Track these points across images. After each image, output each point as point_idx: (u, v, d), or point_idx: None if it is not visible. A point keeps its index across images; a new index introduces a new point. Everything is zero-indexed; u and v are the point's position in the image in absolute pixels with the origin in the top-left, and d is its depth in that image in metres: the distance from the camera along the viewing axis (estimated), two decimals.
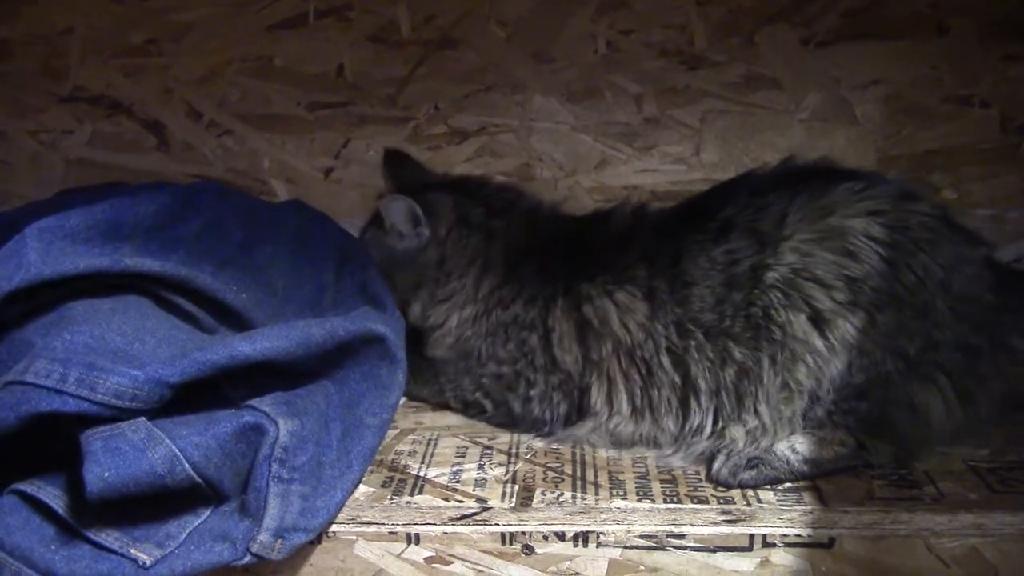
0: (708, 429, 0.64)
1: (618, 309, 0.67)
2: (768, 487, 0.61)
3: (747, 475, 0.61)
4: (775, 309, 0.61)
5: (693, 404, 0.64)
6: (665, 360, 0.65)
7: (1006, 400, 0.64)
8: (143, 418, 0.52)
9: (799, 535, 0.56)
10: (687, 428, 0.65)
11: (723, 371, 0.63)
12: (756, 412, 0.62)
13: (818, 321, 0.60)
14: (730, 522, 0.57)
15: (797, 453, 0.61)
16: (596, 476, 0.64)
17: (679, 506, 0.59)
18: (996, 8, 0.80)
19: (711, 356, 0.64)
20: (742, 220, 0.65)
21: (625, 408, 0.67)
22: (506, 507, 0.59)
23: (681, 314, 0.65)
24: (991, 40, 0.81)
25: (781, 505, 0.59)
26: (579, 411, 0.69)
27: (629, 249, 0.69)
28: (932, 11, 0.81)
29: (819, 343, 0.60)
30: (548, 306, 0.70)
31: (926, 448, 0.63)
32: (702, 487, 0.62)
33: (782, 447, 0.62)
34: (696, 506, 0.59)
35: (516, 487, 0.62)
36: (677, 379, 0.65)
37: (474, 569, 0.58)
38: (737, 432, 0.63)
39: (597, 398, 0.68)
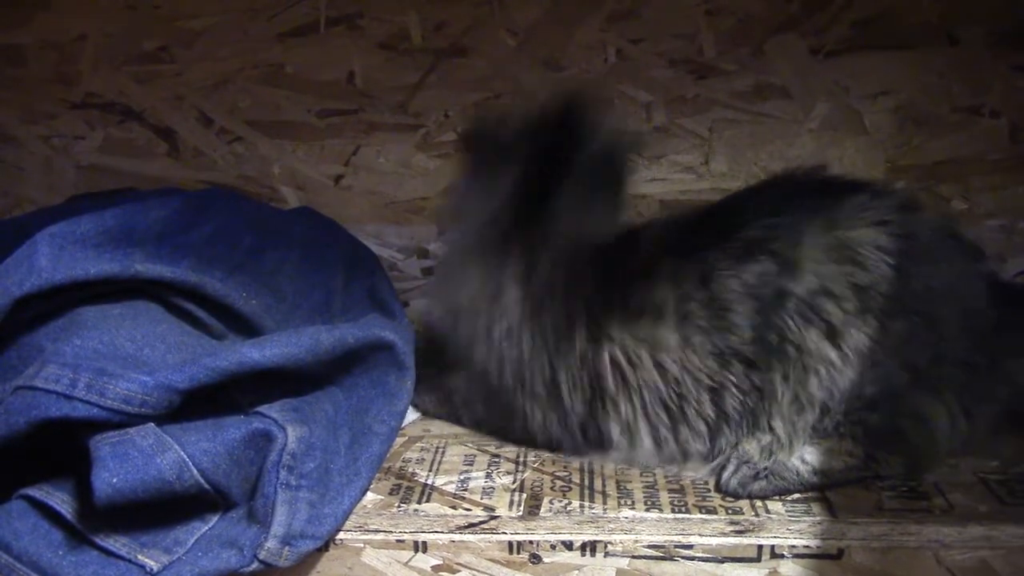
0: (728, 450, 0.63)
1: (646, 345, 0.63)
2: (777, 497, 0.61)
3: (756, 486, 0.61)
4: (790, 331, 0.60)
5: (724, 430, 0.63)
6: (704, 397, 0.63)
7: (997, 421, 0.64)
8: (152, 424, 0.52)
9: (808, 546, 0.56)
10: (713, 451, 0.64)
11: (746, 397, 0.62)
12: (771, 428, 0.62)
13: (831, 333, 0.60)
14: (738, 532, 0.57)
15: (807, 464, 0.61)
16: (604, 485, 0.63)
17: (687, 516, 0.59)
18: (1006, 18, 0.80)
19: (743, 387, 0.62)
20: (762, 240, 0.62)
21: (648, 444, 0.65)
22: (514, 516, 0.59)
23: (722, 345, 0.62)
24: (1001, 50, 0.81)
25: (790, 516, 0.58)
26: (590, 442, 0.67)
27: (655, 274, 0.64)
28: (942, 21, 0.81)
29: (833, 354, 0.60)
30: (560, 347, 0.66)
31: (934, 461, 0.63)
32: (710, 497, 0.61)
33: (792, 458, 0.61)
34: (704, 516, 0.59)
35: (524, 495, 0.62)
36: (711, 413, 0.63)
37: None
38: (751, 447, 0.62)
39: (617, 435, 0.65)
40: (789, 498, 0.61)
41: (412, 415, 0.76)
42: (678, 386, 0.63)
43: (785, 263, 0.61)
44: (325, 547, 0.57)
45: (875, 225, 0.61)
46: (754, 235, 0.63)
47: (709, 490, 0.63)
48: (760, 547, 0.56)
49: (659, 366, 0.63)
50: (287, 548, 0.53)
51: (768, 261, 0.61)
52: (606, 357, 0.64)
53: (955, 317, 0.61)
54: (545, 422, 0.68)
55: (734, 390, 0.62)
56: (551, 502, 0.61)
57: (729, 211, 0.67)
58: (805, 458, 0.61)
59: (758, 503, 0.60)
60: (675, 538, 0.57)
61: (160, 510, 0.52)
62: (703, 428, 0.64)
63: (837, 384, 0.60)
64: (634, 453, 0.66)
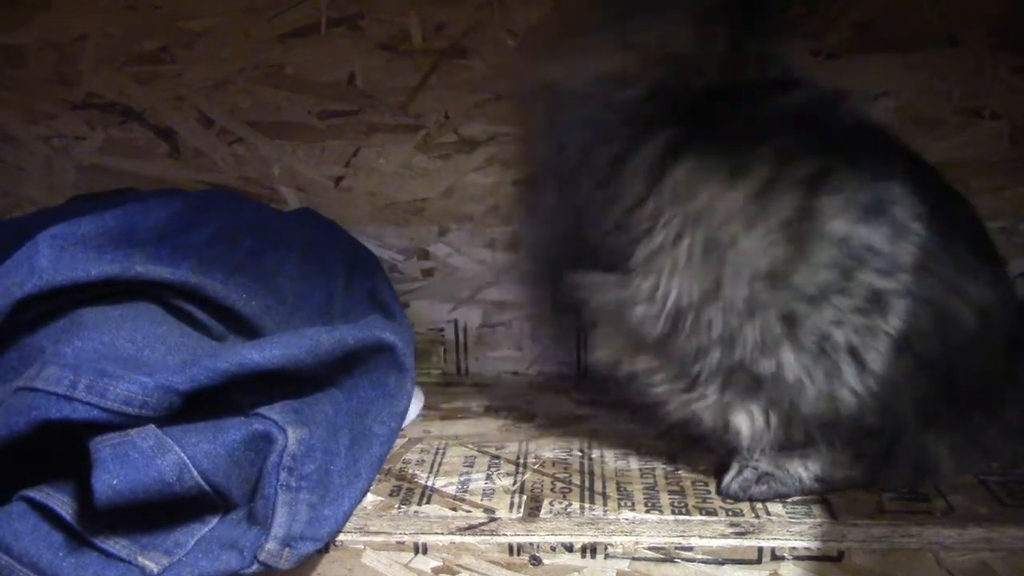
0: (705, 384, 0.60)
1: (708, 190, 0.58)
2: (777, 500, 0.61)
3: (758, 490, 0.61)
4: (868, 349, 0.56)
5: (718, 369, 0.59)
6: (739, 296, 0.57)
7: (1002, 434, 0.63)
8: (152, 425, 0.52)
9: (808, 548, 0.56)
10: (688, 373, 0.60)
11: (765, 360, 0.58)
12: (767, 421, 0.60)
13: (896, 350, 0.57)
14: (739, 535, 0.57)
15: (809, 471, 0.61)
16: (604, 487, 0.63)
17: (688, 518, 0.59)
18: (1007, 20, 0.80)
19: (767, 334, 0.57)
20: (889, 206, 0.56)
21: (649, 288, 0.59)
22: (514, 517, 0.59)
23: (788, 263, 0.56)
24: (1002, 52, 0.81)
25: (790, 518, 0.58)
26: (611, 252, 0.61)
27: (762, 135, 0.58)
28: (943, 23, 0.81)
29: (885, 375, 0.57)
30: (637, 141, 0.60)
31: (936, 481, 0.62)
32: (711, 499, 0.61)
33: (795, 464, 0.61)
34: (705, 518, 0.59)
35: (524, 497, 0.62)
36: (719, 328, 0.58)
37: None
38: (756, 450, 0.61)
39: (638, 256, 0.60)
40: (789, 500, 0.61)
41: (412, 415, 0.76)
42: (716, 254, 0.57)
43: (902, 260, 0.56)
44: (325, 549, 0.57)
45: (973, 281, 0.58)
46: (892, 197, 0.57)
47: (709, 491, 0.63)
48: (760, 549, 0.56)
49: (713, 222, 0.57)
50: (287, 550, 0.53)
51: (889, 242, 0.56)
52: (672, 175, 0.59)
53: (972, 354, 0.59)
54: (587, 208, 0.63)
55: (770, 316, 0.56)
56: (551, 504, 0.61)
57: (876, 145, 0.61)
58: (808, 465, 0.61)
59: (758, 505, 0.60)
60: (676, 540, 0.57)
61: (160, 512, 0.52)
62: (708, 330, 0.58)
63: (863, 401, 0.58)
64: (631, 290, 0.60)
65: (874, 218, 0.57)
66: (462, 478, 0.65)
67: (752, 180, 0.57)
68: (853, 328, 0.57)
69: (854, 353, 0.57)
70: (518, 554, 0.57)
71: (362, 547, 0.58)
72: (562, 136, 0.66)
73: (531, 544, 0.57)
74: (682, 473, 0.66)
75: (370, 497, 0.62)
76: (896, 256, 0.56)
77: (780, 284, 0.57)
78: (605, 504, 0.61)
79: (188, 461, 0.52)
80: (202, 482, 0.52)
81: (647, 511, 0.60)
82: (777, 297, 0.57)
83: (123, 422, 0.52)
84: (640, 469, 0.66)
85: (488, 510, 0.60)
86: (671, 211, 0.59)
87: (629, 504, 0.61)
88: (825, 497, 0.61)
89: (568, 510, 0.60)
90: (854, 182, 0.57)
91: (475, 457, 0.69)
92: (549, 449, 0.70)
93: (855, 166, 0.58)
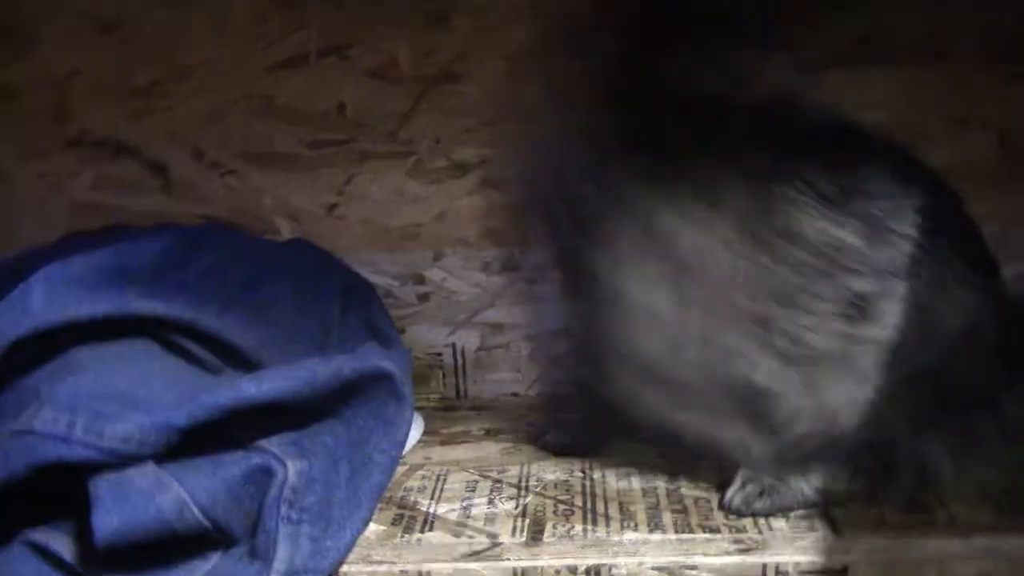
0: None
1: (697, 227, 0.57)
2: (780, 514, 0.61)
3: (760, 504, 0.61)
4: (856, 356, 0.56)
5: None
6: (722, 298, 0.56)
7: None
8: (151, 463, 0.52)
9: (812, 563, 0.56)
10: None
11: (755, 372, 0.57)
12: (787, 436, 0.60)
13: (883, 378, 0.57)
14: (743, 551, 0.57)
15: (810, 484, 0.61)
16: (607, 508, 0.63)
17: (691, 536, 0.59)
18: (995, 32, 0.81)
19: (752, 343, 0.57)
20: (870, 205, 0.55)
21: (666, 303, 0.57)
22: (517, 542, 0.59)
23: (753, 257, 0.55)
24: (992, 62, 0.81)
25: (793, 532, 0.58)
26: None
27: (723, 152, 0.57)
28: (932, 34, 0.81)
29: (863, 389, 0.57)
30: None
31: (938, 495, 0.61)
32: (714, 516, 0.61)
33: (796, 477, 0.61)
34: (708, 536, 0.59)
35: (527, 521, 0.62)
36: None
37: None
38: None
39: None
40: (792, 515, 0.61)
41: (412, 441, 0.76)
42: (692, 270, 0.57)
43: (881, 260, 0.55)
44: None
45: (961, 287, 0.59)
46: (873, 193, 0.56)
47: (712, 509, 0.62)
48: (764, 565, 0.56)
49: (676, 237, 0.56)
50: None
51: (864, 240, 0.55)
52: (632, 201, 0.58)
53: (966, 358, 0.58)
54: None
55: (752, 324, 0.56)
56: (554, 527, 0.61)
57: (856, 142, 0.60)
58: (809, 478, 0.61)
59: (761, 521, 0.60)
60: (680, 559, 0.56)
61: (161, 550, 0.52)
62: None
63: (859, 411, 0.57)
64: (638, 326, 0.59)
65: (840, 212, 0.55)
66: (464, 504, 0.65)
67: (703, 183, 0.56)
68: (835, 334, 0.56)
69: (842, 360, 0.56)
70: None
71: None
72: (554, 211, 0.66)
73: (535, 568, 0.57)
74: (684, 491, 0.66)
75: (372, 527, 0.62)
76: (874, 255, 0.55)
77: (755, 289, 0.55)
78: (608, 525, 0.61)
79: (188, 498, 0.52)
80: (202, 518, 0.52)
81: (650, 531, 0.60)
82: (757, 304, 0.56)
83: (121, 460, 0.52)
84: (642, 488, 0.66)
85: (491, 535, 0.60)
86: (641, 239, 0.58)
87: (632, 524, 0.61)
88: (828, 511, 0.61)
89: (571, 533, 0.60)
90: (814, 173, 0.55)
91: (477, 482, 0.69)
92: (550, 471, 0.70)
93: (816, 157, 0.56)
